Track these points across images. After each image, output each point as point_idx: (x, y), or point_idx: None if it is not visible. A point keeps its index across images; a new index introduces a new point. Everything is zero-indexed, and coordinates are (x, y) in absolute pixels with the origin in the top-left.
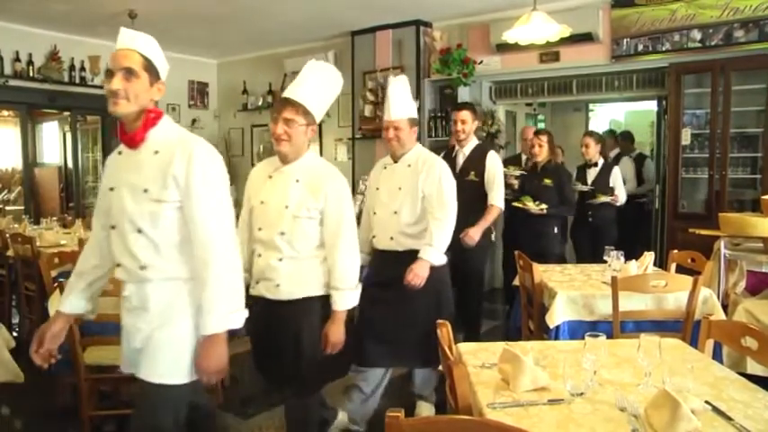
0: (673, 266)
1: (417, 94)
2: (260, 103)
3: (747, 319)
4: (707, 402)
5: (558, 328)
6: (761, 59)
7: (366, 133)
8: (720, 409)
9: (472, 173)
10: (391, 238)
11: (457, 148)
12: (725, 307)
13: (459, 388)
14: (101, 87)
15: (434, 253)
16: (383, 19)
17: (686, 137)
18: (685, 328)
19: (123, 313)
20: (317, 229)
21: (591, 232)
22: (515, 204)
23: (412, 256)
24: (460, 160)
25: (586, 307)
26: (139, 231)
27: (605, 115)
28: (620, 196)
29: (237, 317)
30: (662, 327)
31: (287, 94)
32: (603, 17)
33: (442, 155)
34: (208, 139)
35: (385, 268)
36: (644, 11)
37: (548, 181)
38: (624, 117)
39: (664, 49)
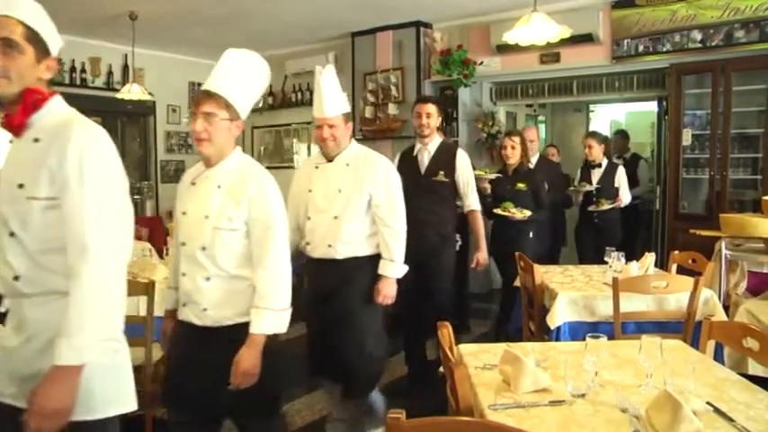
0: (674, 267)
1: (418, 95)
2: (260, 105)
3: (748, 320)
4: (708, 403)
5: (558, 329)
6: (762, 60)
7: (367, 134)
8: (722, 411)
9: (441, 173)
10: (329, 246)
11: (419, 146)
12: (726, 308)
13: (460, 389)
14: (102, 89)
15: (397, 267)
16: (383, 20)
17: (687, 137)
18: (686, 328)
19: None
20: (243, 243)
21: (595, 234)
22: (497, 212)
23: (353, 264)
24: (425, 159)
25: (587, 308)
26: (12, 235)
27: (606, 116)
28: (624, 197)
29: (106, 348)
30: (663, 328)
31: (206, 86)
32: (604, 18)
33: (399, 154)
34: None
35: (323, 279)
36: (644, 11)
37: (521, 185)
38: (625, 118)
39: (664, 49)
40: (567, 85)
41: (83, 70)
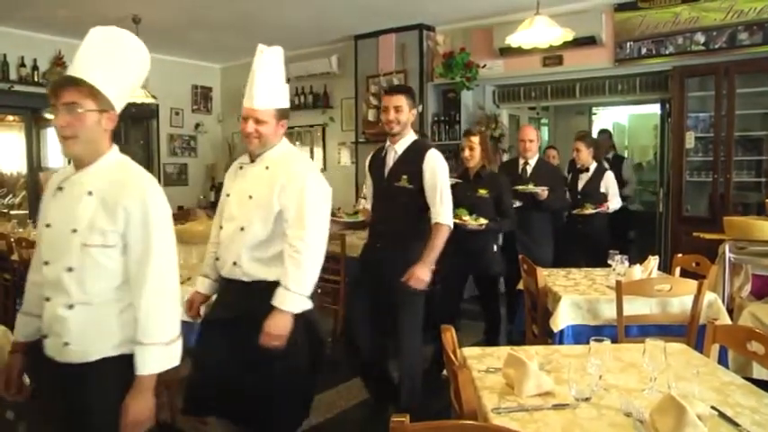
0: (677, 270)
1: (420, 98)
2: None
3: (753, 323)
4: (713, 408)
5: (561, 332)
6: (765, 62)
7: (370, 137)
8: (727, 415)
9: (404, 177)
10: (234, 264)
11: (388, 144)
12: (730, 311)
13: (463, 393)
14: None
15: (294, 300)
16: (386, 23)
17: (690, 140)
18: (690, 332)
19: None
20: (119, 262)
21: (579, 240)
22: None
23: (263, 289)
24: (390, 161)
25: (590, 311)
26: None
27: (608, 119)
28: (612, 203)
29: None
30: (666, 331)
31: (68, 71)
32: (606, 20)
33: (370, 155)
34: (211, 143)
35: (230, 301)
36: (647, 14)
37: (483, 191)
38: (627, 120)
39: (667, 52)
40: (570, 87)
41: None
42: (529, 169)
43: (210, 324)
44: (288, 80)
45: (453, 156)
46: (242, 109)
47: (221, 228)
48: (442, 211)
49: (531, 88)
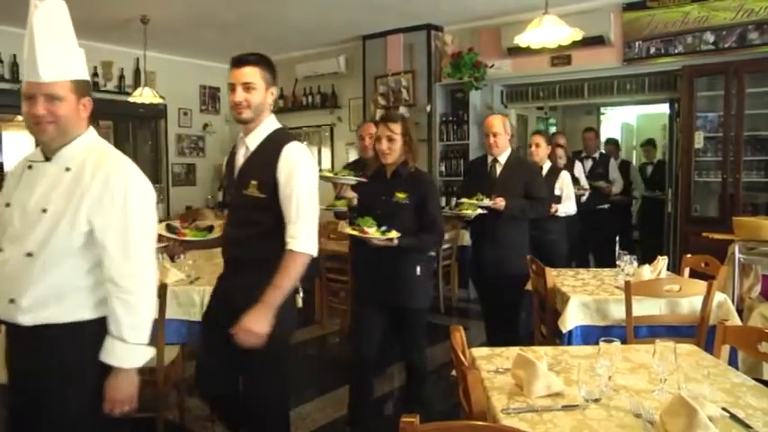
0: (686, 271)
1: (428, 99)
2: (271, 108)
3: (763, 324)
4: (724, 409)
5: (570, 332)
6: None
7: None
8: (738, 417)
9: (253, 183)
10: (12, 301)
11: (240, 135)
12: (740, 312)
13: (473, 393)
14: (114, 92)
15: (135, 352)
16: (394, 23)
17: (699, 140)
18: (700, 333)
19: None
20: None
21: (535, 250)
22: (350, 231)
23: (56, 336)
24: (240, 159)
25: (599, 312)
26: None
27: (617, 118)
28: (564, 206)
29: None
30: (676, 332)
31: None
32: (615, 20)
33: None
34: (219, 143)
35: (16, 354)
36: (656, 13)
37: (401, 195)
38: (636, 120)
39: (676, 51)
40: (578, 87)
41: (95, 74)
42: (498, 168)
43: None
44: (296, 81)
45: (461, 155)
46: (23, 86)
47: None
48: (299, 232)
49: (539, 88)
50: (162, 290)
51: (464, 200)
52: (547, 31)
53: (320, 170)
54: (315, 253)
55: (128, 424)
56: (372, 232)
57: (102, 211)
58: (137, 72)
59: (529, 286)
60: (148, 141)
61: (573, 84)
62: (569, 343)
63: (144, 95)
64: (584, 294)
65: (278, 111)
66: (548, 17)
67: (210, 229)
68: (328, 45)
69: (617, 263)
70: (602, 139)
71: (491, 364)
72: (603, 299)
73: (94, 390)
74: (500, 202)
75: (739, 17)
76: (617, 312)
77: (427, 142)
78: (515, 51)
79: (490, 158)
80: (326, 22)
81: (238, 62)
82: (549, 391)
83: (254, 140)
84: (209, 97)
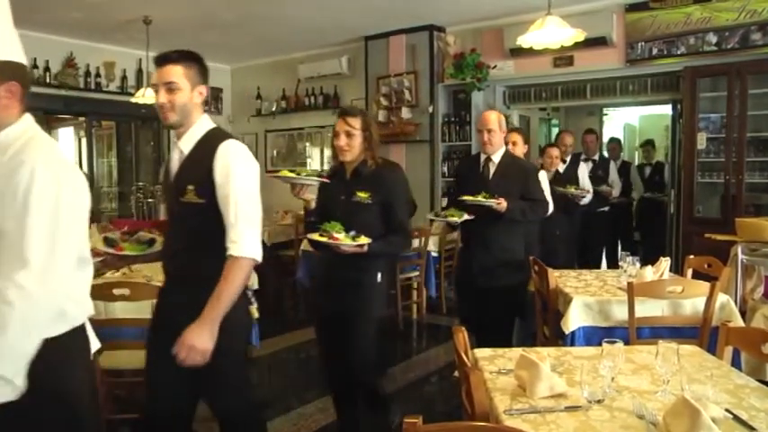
0: (689, 272)
1: (431, 99)
2: (274, 109)
3: (766, 326)
4: (727, 411)
5: (573, 333)
6: None
7: (380, 138)
8: (742, 418)
9: (190, 188)
10: None
11: (174, 140)
12: (743, 313)
13: (475, 394)
14: (116, 93)
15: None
16: (397, 24)
17: (702, 141)
18: (702, 334)
19: None
20: None
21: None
22: (316, 237)
23: None
24: (175, 165)
25: (602, 313)
26: None
27: (619, 119)
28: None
29: None
30: (678, 333)
31: None
32: (618, 21)
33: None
34: None
35: None
36: (658, 14)
37: (362, 195)
38: (638, 121)
39: (679, 52)
40: (581, 88)
41: (97, 75)
42: (492, 167)
43: None
44: (298, 81)
45: (464, 156)
46: None
47: None
48: (240, 236)
49: (541, 89)
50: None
51: (467, 197)
52: (549, 32)
53: (280, 170)
54: (259, 258)
55: None
56: (342, 238)
57: (3, 202)
58: (139, 73)
59: (531, 287)
60: (150, 142)
61: (575, 85)
62: (572, 344)
63: (146, 96)
64: (586, 295)
65: (281, 112)
66: (550, 18)
67: (152, 242)
68: (331, 46)
69: (620, 264)
70: (605, 140)
71: (494, 365)
72: (606, 300)
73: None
74: (503, 203)
75: (742, 18)
76: (620, 313)
77: (429, 143)
78: (518, 52)
79: (483, 157)
80: (329, 22)
81: (159, 60)
82: (552, 393)
83: (187, 143)
84: (212, 98)
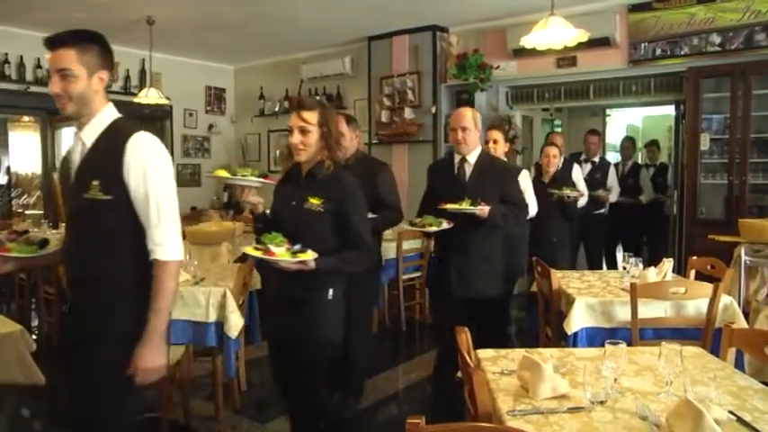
0: (692, 273)
1: (434, 99)
2: (277, 109)
3: None
4: (731, 412)
5: (575, 334)
6: None
7: (383, 138)
8: (745, 420)
9: (95, 184)
10: None
11: (75, 131)
12: (746, 314)
13: (478, 395)
14: (120, 93)
15: None
16: (400, 24)
17: (705, 142)
18: (705, 335)
19: None
20: None
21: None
22: (251, 252)
23: None
24: (77, 159)
25: (605, 314)
26: None
27: (622, 120)
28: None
29: None
30: (681, 334)
31: None
32: (621, 21)
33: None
34: (225, 144)
35: None
36: (662, 15)
37: (315, 201)
38: (641, 122)
39: (682, 53)
40: (584, 88)
41: None
42: (468, 169)
43: None
44: (301, 82)
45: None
46: None
47: None
48: (164, 238)
49: (544, 89)
50: None
51: (449, 205)
52: (552, 33)
53: (217, 170)
54: (182, 257)
55: None
56: (279, 253)
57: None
58: (142, 73)
59: (534, 288)
60: None
61: (578, 85)
62: (575, 345)
63: (149, 96)
64: (589, 296)
65: (284, 112)
66: (553, 18)
67: (44, 243)
68: (334, 46)
69: (622, 265)
70: (612, 141)
71: (496, 366)
72: (609, 301)
73: None
74: (485, 208)
75: (746, 18)
76: (622, 314)
77: (432, 143)
78: (521, 52)
79: (458, 158)
80: (332, 22)
81: (49, 43)
82: (555, 394)
83: (89, 135)
84: (215, 98)
